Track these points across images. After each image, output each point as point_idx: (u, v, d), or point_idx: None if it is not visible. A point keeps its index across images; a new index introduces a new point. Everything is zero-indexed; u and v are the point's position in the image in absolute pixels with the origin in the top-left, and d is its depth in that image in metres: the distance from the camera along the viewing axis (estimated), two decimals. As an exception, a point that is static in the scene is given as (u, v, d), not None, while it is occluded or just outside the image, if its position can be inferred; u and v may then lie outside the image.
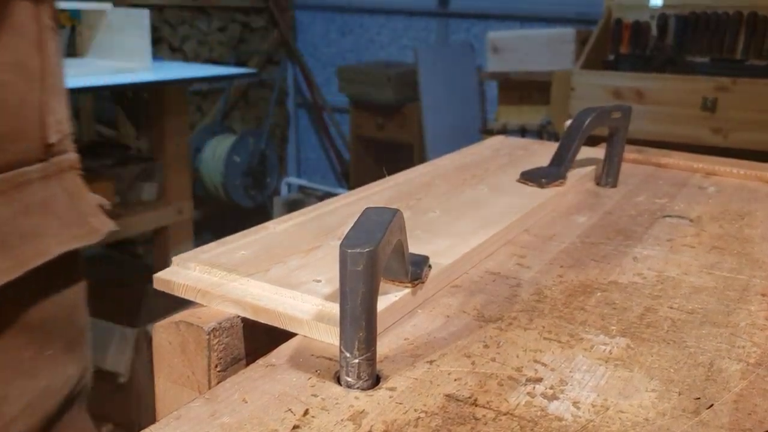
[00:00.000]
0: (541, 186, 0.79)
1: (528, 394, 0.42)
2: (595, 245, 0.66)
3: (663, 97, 2.35)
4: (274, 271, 0.53)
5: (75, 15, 2.24)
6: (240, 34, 4.00)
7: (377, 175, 0.82)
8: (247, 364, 0.46)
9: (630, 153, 0.97)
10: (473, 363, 0.45)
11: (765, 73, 2.33)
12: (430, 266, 0.54)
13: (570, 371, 0.44)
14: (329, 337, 0.46)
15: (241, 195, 3.68)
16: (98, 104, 3.19)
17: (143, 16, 2.04)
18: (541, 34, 2.98)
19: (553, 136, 2.70)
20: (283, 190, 4.29)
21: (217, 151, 3.61)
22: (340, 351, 0.41)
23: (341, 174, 4.31)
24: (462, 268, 0.59)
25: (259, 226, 0.63)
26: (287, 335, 0.48)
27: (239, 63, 3.92)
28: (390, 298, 0.50)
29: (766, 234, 0.71)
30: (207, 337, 0.47)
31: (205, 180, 3.64)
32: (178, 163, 2.30)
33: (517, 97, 3.01)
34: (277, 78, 4.15)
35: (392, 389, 0.42)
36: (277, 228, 0.63)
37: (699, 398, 0.42)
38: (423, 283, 0.53)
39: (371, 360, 0.42)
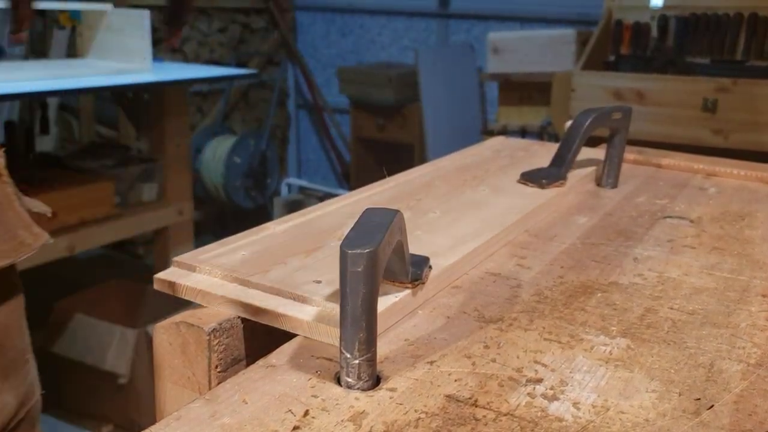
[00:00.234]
0: (542, 187, 0.79)
1: (528, 394, 0.42)
2: (596, 246, 0.66)
3: (663, 98, 2.35)
4: (275, 272, 0.53)
5: (75, 16, 2.25)
6: (240, 35, 4.00)
7: (378, 176, 0.82)
8: (248, 365, 0.46)
9: (630, 154, 0.97)
10: (473, 364, 0.45)
11: (765, 74, 2.33)
12: (430, 267, 0.54)
13: (570, 372, 0.44)
14: (329, 338, 0.46)
15: (241, 196, 3.68)
16: (99, 105, 3.19)
17: (143, 16, 2.04)
18: (541, 35, 2.98)
19: (554, 137, 2.70)
20: (284, 190, 4.29)
21: (217, 151, 3.61)
22: (341, 352, 0.41)
23: (342, 175, 4.31)
24: (462, 269, 0.59)
25: (260, 227, 0.63)
26: (287, 336, 0.48)
27: (239, 64, 3.92)
28: (390, 298, 0.50)
29: (767, 235, 0.71)
30: (207, 337, 0.47)
31: (206, 181, 3.64)
32: (178, 163, 2.30)
33: (518, 98, 3.01)
34: (277, 79, 4.15)
35: (393, 390, 0.42)
36: (278, 229, 0.63)
37: (699, 399, 0.42)
38: (423, 283, 0.53)
39: (371, 361, 0.42)
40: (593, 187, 0.86)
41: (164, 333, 0.49)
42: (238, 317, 0.49)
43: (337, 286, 0.43)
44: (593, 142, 0.90)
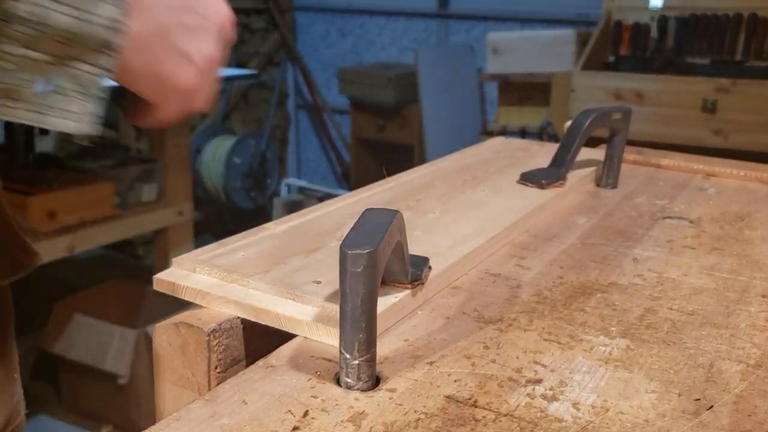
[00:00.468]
0: (542, 187, 0.79)
1: (528, 395, 0.42)
2: (595, 246, 0.66)
3: (663, 98, 2.35)
4: (274, 273, 0.53)
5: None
6: (240, 35, 4.00)
7: (377, 177, 0.82)
8: (247, 366, 0.46)
9: (630, 154, 0.97)
10: (473, 364, 0.45)
11: (765, 75, 2.33)
12: (430, 267, 0.54)
13: (570, 372, 0.44)
14: (329, 339, 0.46)
15: (241, 196, 3.68)
16: (98, 105, 3.18)
17: (144, 17, 2.04)
18: (541, 35, 2.98)
19: (554, 138, 2.70)
20: (283, 191, 4.29)
21: (217, 152, 3.60)
22: (340, 352, 0.41)
23: (341, 175, 4.31)
24: (462, 270, 0.59)
25: (259, 228, 0.63)
26: (287, 336, 0.48)
27: (239, 64, 3.92)
28: (390, 299, 0.50)
29: (766, 235, 0.71)
30: (207, 338, 0.47)
31: (206, 181, 3.64)
32: (178, 164, 2.30)
33: (517, 99, 3.01)
34: (277, 79, 4.15)
35: (392, 390, 0.42)
36: (277, 229, 0.63)
37: (699, 399, 0.42)
38: (423, 284, 0.53)
39: (371, 361, 0.42)
40: (593, 188, 0.86)
41: (164, 333, 0.49)
42: (238, 318, 0.49)
43: (336, 286, 0.43)
44: (593, 142, 0.90)
